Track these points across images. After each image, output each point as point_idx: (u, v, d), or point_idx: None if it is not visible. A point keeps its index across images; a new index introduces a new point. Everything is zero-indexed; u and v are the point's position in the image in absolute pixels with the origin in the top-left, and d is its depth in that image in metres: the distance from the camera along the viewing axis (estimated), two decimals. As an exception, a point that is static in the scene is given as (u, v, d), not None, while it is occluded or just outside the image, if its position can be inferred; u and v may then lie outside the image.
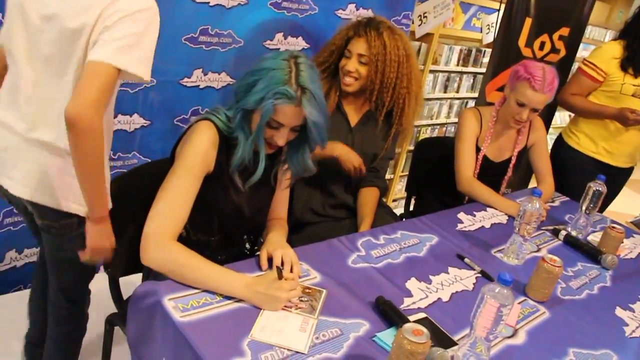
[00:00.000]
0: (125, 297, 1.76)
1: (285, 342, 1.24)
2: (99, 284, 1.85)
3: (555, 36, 3.40)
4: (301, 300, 1.39)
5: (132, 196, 1.70)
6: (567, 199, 2.62)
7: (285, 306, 1.35)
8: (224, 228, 1.70)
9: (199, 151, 1.50)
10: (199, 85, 2.55)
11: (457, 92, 4.71)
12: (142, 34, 1.42)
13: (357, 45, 2.03)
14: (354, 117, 2.18)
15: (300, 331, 1.28)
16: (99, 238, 1.52)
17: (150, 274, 1.67)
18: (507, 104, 2.31)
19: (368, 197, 2.19)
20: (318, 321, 1.33)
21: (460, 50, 4.55)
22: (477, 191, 2.32)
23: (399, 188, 4.57)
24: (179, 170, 1.49)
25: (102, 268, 2.46)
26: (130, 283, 1.74)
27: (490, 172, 2.45)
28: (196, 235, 1.67)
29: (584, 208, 2.14)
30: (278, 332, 1.26)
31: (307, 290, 1.45)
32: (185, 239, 1.62)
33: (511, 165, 2.46)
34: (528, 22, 3.30)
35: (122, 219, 1.63)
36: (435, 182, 2.46)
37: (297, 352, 1.21)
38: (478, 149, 2.41)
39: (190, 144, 1.51)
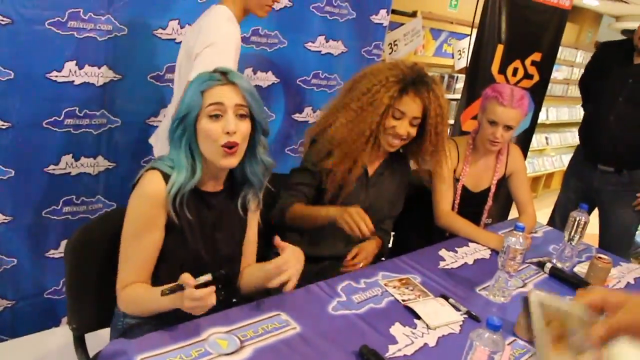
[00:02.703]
0: (91, 353, 1.63)
1: (452, 318, 1.60)
2: (64, 339, 1.73)
3: (528, 62, 3.40)
4: (414, 291, 1.73)
5: (98, 246, 1.61)
6: (550, 228, 2.58)
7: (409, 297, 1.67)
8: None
9: (142, 211, 1.44)
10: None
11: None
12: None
13: (410, 107, 1.87)
14: (371, 167, 2.07)
15: (442, 306, 1.65)
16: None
17: (114, 331, 1.58)
18: (481, 128, 2.30)
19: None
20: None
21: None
22: (456, 225, 2.27)
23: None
24: (127, 236, 1.45)
25: (65, 321, 2.33)
26: (99, 338, 1.65)
27: (470, 203, 2.40)
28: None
29: (568, 238, 2.08)
30: (442, 314, 1.61)
31: (405, 282, 1.77)
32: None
33: (491, 195, 2.41)
34: (500, 48, 3.30)
35: (88, 270, 1.57)
36: (413, 216, 2.39)
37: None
38: (456, 180, 2.36)
39: (134, 201, 1.45)
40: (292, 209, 1.92)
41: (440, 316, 1.60)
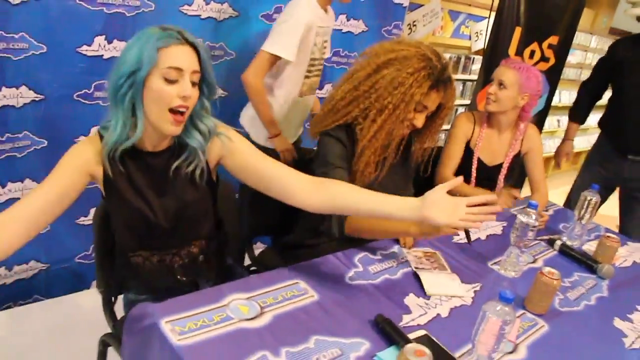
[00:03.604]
0: (119, 316, 1.74)
1: (453, 292, 1.64)
2: (93, 302, 1.82)
3: (545, 45, 3.42)
4: (432, 263, 1.77)
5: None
6: (560, 207, 2.63)
7: (423, 266, 1.73)
8: (142, 242, 1.57)
9: (72, 150, 1.43)
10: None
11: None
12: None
13: (434, 102, 1.85)
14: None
15: (453, 281, 1.70)
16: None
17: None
18: None
19: None
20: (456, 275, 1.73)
21: (450, 58, 4.57)
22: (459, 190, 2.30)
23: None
24: (52, 171, 1.40)
25: (95, 285, 2.45)
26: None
27: (485, 176, 2.48)
28: (140, 257, 1.58)
29: (578, 217, 2.14)
30: (445, 286, 1.66)
31: (428, 255, 1.81)
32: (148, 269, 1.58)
33: (504, 169, 2.48)
34: (518, 31, 3.32)
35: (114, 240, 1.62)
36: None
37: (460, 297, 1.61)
38: (471, 151, 2.45)
39: (66, 154, 1.42)
40: (352, 222, 1.83)
41: (441, 287, 1.66)
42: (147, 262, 1.58)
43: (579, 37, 6.17)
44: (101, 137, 1.43)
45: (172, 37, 1.34)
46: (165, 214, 1.53)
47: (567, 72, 6.35)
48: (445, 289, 1.66)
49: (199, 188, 1.56)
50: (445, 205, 1.43)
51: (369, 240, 1.87)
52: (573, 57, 6.34)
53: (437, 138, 2.09)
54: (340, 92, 1.89)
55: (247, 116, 2.54)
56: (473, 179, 2.47)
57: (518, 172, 2.67)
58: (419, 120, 1.86)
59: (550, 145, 6.33)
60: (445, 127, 4.69)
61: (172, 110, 1.38)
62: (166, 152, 1.51)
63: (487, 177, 2.49)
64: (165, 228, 1.53)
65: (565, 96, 6.39)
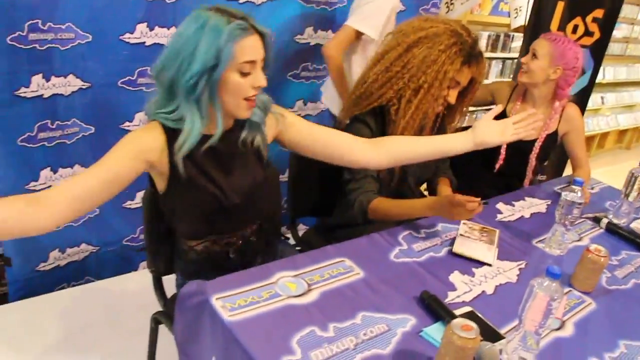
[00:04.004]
0: (169, 293, 1.79)
1: (479, 256, 1.69)
2: (143, 282, 1.88)
3: (589, 19, 3.32)
4: (482, 236, 1.80)
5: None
6: (607, 185, 2.58)
7: (470, 235, 1.79)
8: (214, 227, 1.59)
9: (133, 135, 1.39)
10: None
11: (487, 78, 4.67)
12: None
13: (466, 77, 1.86)
14: None
15: (488, 251, 1.72)
16: None
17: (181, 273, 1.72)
18: None
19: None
20: (497, 250, 1.76)
21: (489, 36, 4.50)
22: None
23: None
24: (109, 151, 1.35)
25: (145, 265, 2.53)
26: (173, 281, 1.77)
27: (516, 151, 2.42)
28: (198, 245, 1.62)
29: (624, 194, 2.10)
30: (473, 250, 1.71)
31: (485, 230, 1.85)
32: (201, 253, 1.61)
33: (536, 148, 2.41)
34: (560, 5, 3.23)
35: (163, 218, 1.65)
36: (466, 171, 2.45)
37: (486, 264, 1.67)
38: (505, 116, 2.40)
39: (126, 137, 1.37)
40: (374, 205, 1.85)
41: (469, 250, 1.71)
42: (206, 246, 1.61)
43: (625, 10, 5.98)
44: (165, 128, 1.40)
45: (242, 28, 1.32)
46: (236, 193, 1.54)
47: (612, 47, 6.17)
48: (472, 252, 1.70)
49: (262, 164, 1.61)
50: (495, 128, 1.63)
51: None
52: (619, 31, 6.15)
53: (467, 112, 2.08)
54: (372, 75, 1.88)
55: (328, 93, 2.63)
56: (502, 152, 2.40)
57: (557, 154, 2.59)
58: (452, 97, 1.86)
59: (592, 124, 6.18)
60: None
61: (246, 98, 1.41)
62: (230, 132, 1.52)
63: (518, 154, 2.42)
64: (235, 209, 1.55)
65: (610, 72, 6.21)
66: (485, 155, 2.25)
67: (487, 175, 2.46)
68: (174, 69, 1.33)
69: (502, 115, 2.43)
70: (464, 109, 2.03)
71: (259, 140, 1.57)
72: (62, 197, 1.26)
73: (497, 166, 2.45)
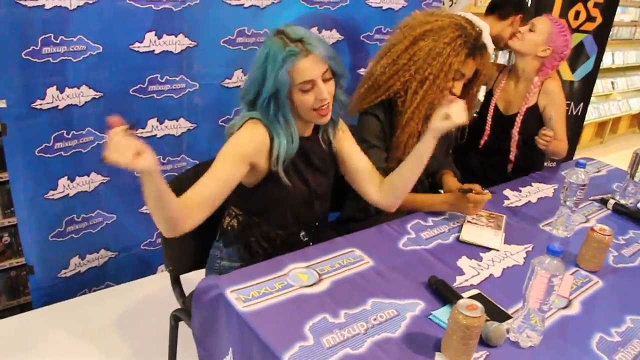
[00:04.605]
0: (187, 293, 1.84)
1: (485, 242, 1.73)
2: (162, 282, 1.93)
3: (590, 4, 3.33)
4: (489, 222, 1.84)
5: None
6: (613, 167, 2.60)
7: (477, 222, 1.84)
8: (297, 219, 1.75)
9: (243, 142, 1.56)
10: (240, 86, 2.63)
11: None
12: None
13: (471, 69, 1.91)
14: None
15: (495, 236, 1.77)
16: None
17: (210, 271, 1.78)
18: None
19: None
20: (504, 234, 1.80)
21: (494, 27, 4.50)
22: None
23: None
24: (218, 157, 1.54)
25: (160, 269, 2.59)
26: (191, 280, 1.82)
27: (500, 126, 2.48)
28: (275, 232, 1.74)
29: (630, 175, 2.12)
30: (479, 236, 1.76)
31: (492, 216, 1.90)
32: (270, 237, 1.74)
33: (517, 122, 2.43)
34: (561, -8, 3.26)
35: None
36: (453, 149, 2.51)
37: (492, 249, 1.71)
38: (491, 95, 2.51)
39: (240, 133, 1.57)
40: None
41: (476, 236, 1.76)
42: (280, 236, 1.76)
43: (630, -8, 5.95)
44: (269, 130, 1.57)
45: (294, 54, 1.47)
46: (320, 187, 1.75)
47: (621, 32, 6.13)
48: (479, 239, 1.75)
49: (334, 162, 1.80)
50: (440, 114, 1.67)
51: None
52: (626, 15, 6.11)
53: (474, 105, 2.12)
54: (379, 68, 1.93)
55: None
56: (488, 127, 2.47)
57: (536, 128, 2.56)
58: (457, 89, 1.90)
59: (604, 109, 6.14)
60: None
61: (316, 110, 1.57)
62: (315, 133, 1.73)
63: (502, 127, 2.47)
64: (317, 201, 1.76)
65: (619, 57, 6.17)
66: (473, 134, 2.36)
67: (473, 152, 2.52)
68: (253, 92, 1.56)
69: (489, 94, 2.49)
70: (471, 101, 2.06)
71: (332, 135, 1.75)
72: (195, 203, 1.46)
73: (482, 142, 2.50)
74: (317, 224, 1.83)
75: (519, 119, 2.42)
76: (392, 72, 1.90)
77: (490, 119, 2.47)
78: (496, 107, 2.48)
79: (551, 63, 2.37)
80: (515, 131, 2.44)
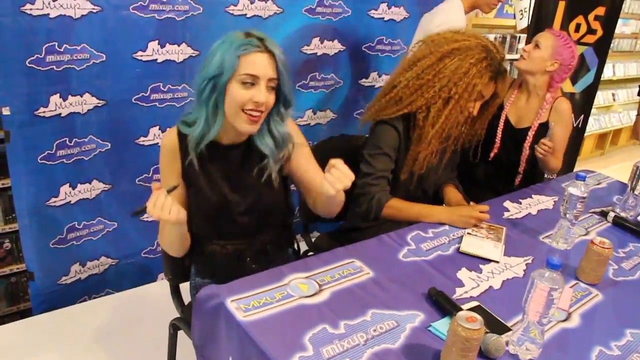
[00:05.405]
0: (186, 302, 1.85)
1: (486, 254, 1.73)
2: (162, 289, 1.94)
3: (591, 17, 3.35)
4: (489, 233, 1.84)
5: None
6: (614, 180, 2.60)
7: (477, 234, 1.83)
8: (221, 232, 1.69)
9: (162, 160, 1.61)
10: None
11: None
12: None
13: (491, 91, 1.95)
14: None
15: (495, 248, 1.77)
16: None
17: (191, 288, 1.80)
18: None
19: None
20: (504, 247, 1.80)
21: (495, 38, 4.52)
22: None
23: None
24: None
25: (160, 277, 2.60)
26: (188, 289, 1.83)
27: (511, 138, 2.48)
28: (216, 246, 1.70)
29: (631, 187, 2.13)
30: (480, 248, 1.75)
31: (492, 228, 1.89)
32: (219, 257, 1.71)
33: (529, 137, 2.44)
34: (562, 5, 3.28)
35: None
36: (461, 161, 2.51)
37: (492, 261, 1.71)
38: (501, 108, 2.49)
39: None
40: (390, 204, 1.95)
41: (476, 248, 1.76)
42: (221, 251, 1.70)
43: (633, 6, 5.97)
44: (179, 131, 1.58)
45: (252, 44, 1.44)
46: (239, 206, 1.63)
47: (621, 44, 6.16)
48: (479, 250, 1.75)
49: (272, 186, 1.66)
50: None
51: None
52: (627, 28, 6.14)
53: (486, 125, 2.14)
54: (403, 80, 1.94)
55: None
56: (498, 140, 2.47)
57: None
58: (476, 109, 1.94)
59: (604, 121, 6.16)
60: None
61: (245, 111, 1.49)
62: (241, 145, 1.62)
63: (513, 139, 2.48)
64: (239, 219, 1.65)
65: (620, 69, 6.20)
66: (481, 144, 2.36)
67: (482, 164, 2.51)
68: (197, 77, 1.50)
69: (500, 105, 2.50)
70: (485, 121, 2.12)
71: (267, 171, 1.63)
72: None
73: (492, 155, 2.50)
74: (267, 247, 1.76)
75: (531, 133, 2.44)
76: (416, 87, 1.91)
77: (500, 132, 2.48)
78: (507, 120, 2.49)
79: (560, 76, 2.39)
80: (527, 145, 2.45)
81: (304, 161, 1.71)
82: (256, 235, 1.72)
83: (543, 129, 2.42)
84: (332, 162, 1.44)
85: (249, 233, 1.71)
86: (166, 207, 1.36)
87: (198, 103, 1.51)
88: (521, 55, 2.44)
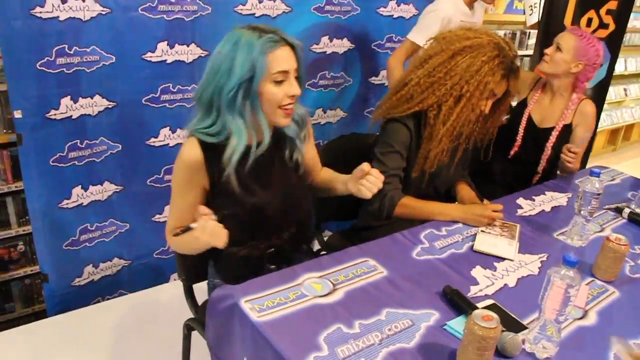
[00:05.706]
0: (199, 302, 1.85)
1: (500, 252, 1.71)
2: (175, 290, 1.94)
3: (603, 11, 3.31)
4: (503, 231, 1.84)
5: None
6: (628, 176, 2.58)
7: (490, 232, 1.82)
8: (254, 234, 1.65)
9: (181, 176, 1.53)
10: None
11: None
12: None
13: (503, 90, 1.92)
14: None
15: (509, 246, 1.75)
16: None
17: (209, 288, 1.80)
18: None
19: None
20: (518, 244, 1.78)
21: (505, 34, 4.50)
22: None
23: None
24: (173, 193, 1.57)
25: (172, 278, 2.60)
26: (203, 289, 1.84)
27: (533, 137, 2.47)
28: (241, 251, 1.67)
29: (647, 184, 2.11)
30: (494, 246, 1.74)
31: (506, 226, 1.88)
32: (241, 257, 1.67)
33: (553, 137, 2.43)
34: (572, -1, 3.24)
35: None
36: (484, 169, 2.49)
37: (507, 259, 1.69)
38: (524, 106, 2.48)
39: (175, 166, 1.54)
40: (403, 202, 1.94)
41: (490, 247, 1.74)
42: (248, 251, 1.66)
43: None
44: (202, 143, 1.50)
45: (273, 40, 1.43)
46: (273, 203, 1.61)
47: (633, 38, 6.10)
48: (493, 249, 1.73)
49: (298, 175, 1.70)
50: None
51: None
52: (639, 22, 6.08)
53: (499, 123, 2.12)
54: (414, 77, 1.92)
55: None
56: (519, 138, 2.46)
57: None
58: (488, 107, 1.92)
59: (616, 116, 6.11)
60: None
61: (282, 107, 1.50)
62: (269, 145, 1.56)
63: (534, 139, 2.46)
64: (271, 217, 1.63)
65: (632, 63, 6.14)
66: (500, 141, 2.33)
67: (502, 161, 2.50)
68: (213, 85, 1.45)
69: (523, 103, 2.47)
70: (497, 119, 2.08)
71: (297, 153, 1.67)
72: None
73: (512, 152, 2.49)
74: (283, 245, 1.73)
75: (555, 133, 2.43)
76: (427, 85, 1.89)
77: (522, 130, 2.47)
78: (530, 119, 2.47)
79: (585, 75, 2.37)
80: (549, 145, 2.44)
81: (311, 146, 1.77)
82: (278, 234, 1.70)
83: (567, 130, 2.41)
84: (365, 169, 1.55)
85: (277, 230, 1.70)
86: (217, 234, 1.39)
87: (229, 114, 1.46)
88: (543, 59, 2.40)
